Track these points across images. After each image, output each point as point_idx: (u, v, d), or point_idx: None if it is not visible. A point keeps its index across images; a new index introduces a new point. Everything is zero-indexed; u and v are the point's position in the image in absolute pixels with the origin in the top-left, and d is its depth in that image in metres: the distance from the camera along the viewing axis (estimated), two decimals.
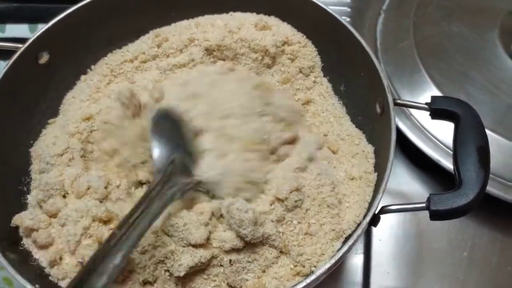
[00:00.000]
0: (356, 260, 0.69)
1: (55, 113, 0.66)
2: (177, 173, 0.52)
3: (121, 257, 0.40)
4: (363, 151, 0.62)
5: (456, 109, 0.56)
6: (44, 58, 0.64)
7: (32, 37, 0.63)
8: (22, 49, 0.62)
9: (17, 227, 0.55)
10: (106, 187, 0.55)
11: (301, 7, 0.68)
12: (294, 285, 0.50)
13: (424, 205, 0.51)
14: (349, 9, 0.88)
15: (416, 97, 0.76)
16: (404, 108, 0.75)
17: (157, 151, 0.54)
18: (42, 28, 0.64)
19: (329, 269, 0.49)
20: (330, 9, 0.66)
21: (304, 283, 0.49)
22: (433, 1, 0.86)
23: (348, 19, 0.86)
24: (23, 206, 0.58)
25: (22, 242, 0.55)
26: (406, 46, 0.82)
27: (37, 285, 0.49)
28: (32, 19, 0.86)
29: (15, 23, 0.86)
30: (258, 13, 0.71)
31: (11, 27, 0.86)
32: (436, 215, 0.51)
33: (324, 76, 0.70)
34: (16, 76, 0.61)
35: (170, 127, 0.56)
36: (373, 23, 0.85)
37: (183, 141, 0.55)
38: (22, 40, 0.63)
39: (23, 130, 0.63)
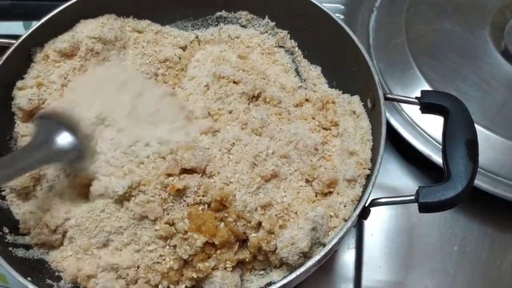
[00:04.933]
0: (348, 255, 0.69)
1: None
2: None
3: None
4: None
5: (445, 103, 0.56)
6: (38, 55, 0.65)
7: (25, 33, 0.63)
8: (15, 44, 0.62)
9: None
10: None
11: (294, 4, 0.69)
12: (284, 277, 0.50)
13: (413, 197, 0.52)
14: (342, 6, 0.89)
15: (408, 94, 0.76)
16: (396, 104, 0.75)
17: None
18: (35, 24, 0.64)
19: (319, 260, 0.50)
20: (323, 6, 0.67)
21: (294, 275, 0.49)
22: None
23: (342, 16, 0.87)
24: None
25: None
26: (398, 43, 0.82)
27: (29, 278, 0.50)
28: (26, 16, 0.86)
29: (9, 20, 0.87)
30: (250, 12, 0.72)
31: (5, 24, 0.86)
32: (424, 208, 0.51)
33: None
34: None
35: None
36: (365, 20, 0.86)
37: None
38: (16, 37, 0.63)
39: None
